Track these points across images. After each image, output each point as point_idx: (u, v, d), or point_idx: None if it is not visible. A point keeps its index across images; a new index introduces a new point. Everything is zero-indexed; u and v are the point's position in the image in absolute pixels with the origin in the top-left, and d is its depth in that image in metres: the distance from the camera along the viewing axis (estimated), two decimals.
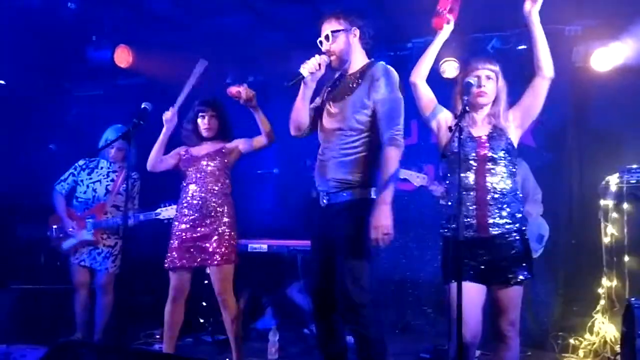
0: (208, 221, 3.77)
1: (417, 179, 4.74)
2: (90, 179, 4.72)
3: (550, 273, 5.16)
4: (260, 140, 3.84)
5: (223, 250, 3.75)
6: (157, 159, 3.85)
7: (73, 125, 6.61)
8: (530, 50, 2.90)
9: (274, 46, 6.11)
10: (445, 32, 3.04)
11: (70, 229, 4.61)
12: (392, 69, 3.06)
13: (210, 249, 3.73)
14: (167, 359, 3.39)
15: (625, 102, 5.17)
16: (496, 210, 2.80)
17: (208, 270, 3.95)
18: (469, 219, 2.80)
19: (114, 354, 2.41)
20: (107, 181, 4.71)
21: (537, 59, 2.86)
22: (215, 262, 3.73)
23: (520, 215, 2.88)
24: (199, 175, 3.81)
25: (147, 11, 5.36)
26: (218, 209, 3.80)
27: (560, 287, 5.29)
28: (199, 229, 3.76)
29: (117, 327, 4.83)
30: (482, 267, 2.81)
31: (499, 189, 2.82)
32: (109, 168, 4.75)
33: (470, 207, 2.80)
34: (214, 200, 3.80)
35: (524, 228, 2.88)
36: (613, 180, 4.65)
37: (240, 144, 3.95)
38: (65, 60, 5.81)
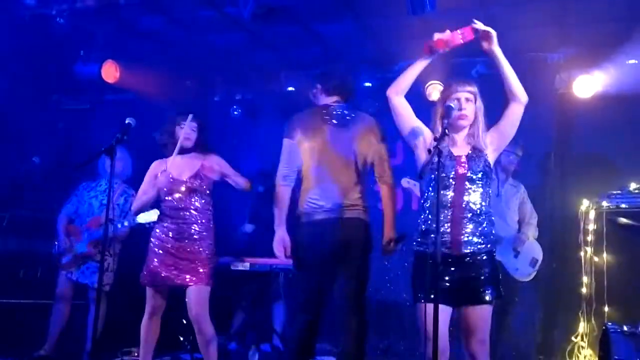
0: (187, 242, 3.74)
1: (419, 190, 4.79)
2: (89, 195, 4.92)
3: (531, 297, 5.18)
4: (243, 186, 3.91)
5: (200, 271, 3.71)
6: (145, 209, 3.89)
7: (59, 139, 6.58)
8: (502, 81, 2.94)
9: (263, 65, 6.16)
10: (432, 57, 3.07)
11: (65, 243, 4.74)
12: (290, 119, 3.57)
13: (188, 270, 3.70)
14: None
15: (607, 128, 5.26)
16: (470, 229, 2.83)
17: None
18: (442, 236, 2.81)
19: None
20: (103, 196, 4.86)
21: (509, 87, 2.92)
22: (192, 283, 3.68)
23: (492, 236, 2.91)
24: (179, 196, 3.78)
25: (136, 27, 5.39)
26: (198, 229, 3.77)
27: (541, 311, 5.32)
28: (178, 249, 3.72)
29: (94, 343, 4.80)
30: (452, 285, 2.82)
31: (475, 209, 2.86)
32: (106, 184, 4.86)
33: (445, 225, 2.83)
34: (194, 220, 3.77)
35: (494, 249, 2.92)
36: (593, 205, 4.72)
37: (222, 167, 3.86)
38: (53, 74, 5.81)
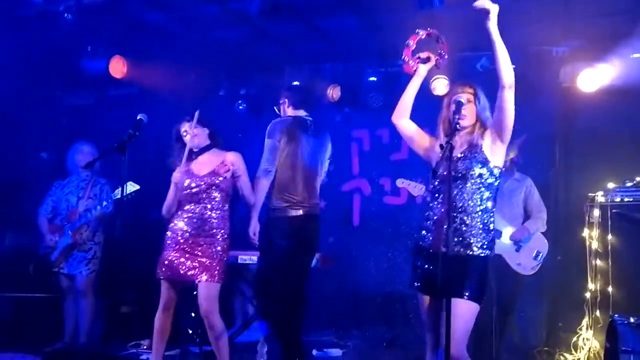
0: (202, 239, 3.74)
1: (414, 189, 4.90)
2: (64, 193, 5.02)
3: (536, 289, 5.22)
4: (248, 198, 3.91)
5: (212, 268, 3.71)
6: (172, 209, 3.87)
7: (65, 134, 6.61)
8: (494, 62, 2.90)
9: (268, 60, 6.17)
10: (422, 72, 3.12)
11: (50, 241, 4.85)
12: (273, 122, 4.04)
13: (200, 266, 3.70)
14: None
15: (611, 122, 5.28)
16: (455, 227, 2.82)
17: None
18: (428, 231, 2.91)
19: None
20: (78, 190, 4.98)
21: (497, 66, 2.87)
22: (203, 279, 3.69)
23: (482, 234, 2.85)
24: (196, 192, 3.77)
25: (143, 23, 5.40)
26: (214, 228, 3.77)
27: (546, 303, 5.35)
28: (193, 245, 3.73)
29: (102, 335, 4.87)
30: (436, 279, 2.79)
31: (461, 206, 2.85)
32: (77, 179, 5.04)
33: (431, 220, 2.92)
34: (211, 218, 3.77)
35: (481, 250, 2.85)
36: (598, 199, 4.74)
37: (235, 165, 3.83)
38: (59, 69, 5.83)
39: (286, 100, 4.18)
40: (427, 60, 3.13)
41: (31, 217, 5.10)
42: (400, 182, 5.05)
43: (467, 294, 2.77)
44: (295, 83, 6.18)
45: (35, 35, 5.18)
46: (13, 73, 5.47)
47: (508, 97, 2.86)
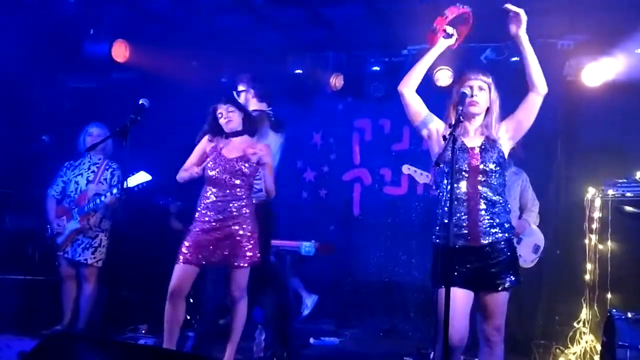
0: (230, 222, 3.68)
1: (420, 176, 4.89)
2: (74, 174, 4.96)
3: (534, 282, 5.23)
4: (268, 190, 3.83)
5: (244, 252, 3.67)
6: (187, 179, 3.81)
7: (66, 117, 6.61)
8: (523, 67, 2.94)
9: (270, 46, 6.15)
10: (441, 46, 3.07)
11: (58, 225, 4.81)
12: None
13: (230, 250, 3.66)
14: (158, 352, 3.31)
15: (615, 116, 5.27)
16: (487, 220, 2.86)
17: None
18: (461, 229, 2.86)
19: (105, 346, 2.42)
20: (88, 173, 4.92)
21: (530, 76, 2.91)
22: (236, 265, 3.66)
23: (508, 225, 2.94)
24: (226, 175, 3.72)
25: (146, 8, 5.38)
26: (242, 210, 3.72)
27: (544, 296, 5.37)
28: (219, 230, 3.67)
29: (102, 320, 4.88)
30: (471, 274, 2.87)
31: (490, 199, 2.88)
32: (89, 161, 4.98)
33: (462, 217, 2.86)
34: (237, 202, 3.72)
35: (512, 237, 2.96)
36: (599, 193, 4.74)
37: (264, 153, 3.71)
38: (61, 52, 5.81)
39: (252, 90, 4.25)
40: (450, 36, 3.05)
41: (33, 199, 5.09)
42: (406, 169, 5.03)
43: (506, 286, 2.85)
44: (295, 72, 6.23)
45: (37, 18, 5.15)
46: (15, 56, 5.45)
47: (538, 102, 2.93)
